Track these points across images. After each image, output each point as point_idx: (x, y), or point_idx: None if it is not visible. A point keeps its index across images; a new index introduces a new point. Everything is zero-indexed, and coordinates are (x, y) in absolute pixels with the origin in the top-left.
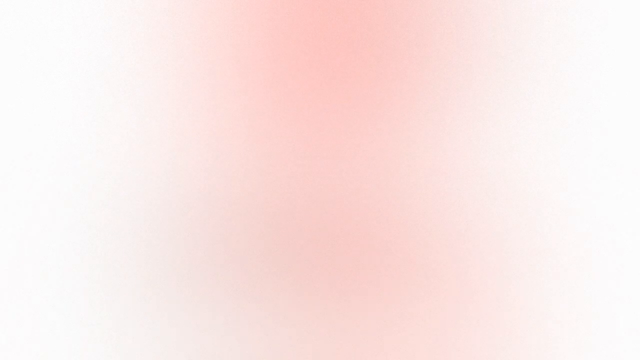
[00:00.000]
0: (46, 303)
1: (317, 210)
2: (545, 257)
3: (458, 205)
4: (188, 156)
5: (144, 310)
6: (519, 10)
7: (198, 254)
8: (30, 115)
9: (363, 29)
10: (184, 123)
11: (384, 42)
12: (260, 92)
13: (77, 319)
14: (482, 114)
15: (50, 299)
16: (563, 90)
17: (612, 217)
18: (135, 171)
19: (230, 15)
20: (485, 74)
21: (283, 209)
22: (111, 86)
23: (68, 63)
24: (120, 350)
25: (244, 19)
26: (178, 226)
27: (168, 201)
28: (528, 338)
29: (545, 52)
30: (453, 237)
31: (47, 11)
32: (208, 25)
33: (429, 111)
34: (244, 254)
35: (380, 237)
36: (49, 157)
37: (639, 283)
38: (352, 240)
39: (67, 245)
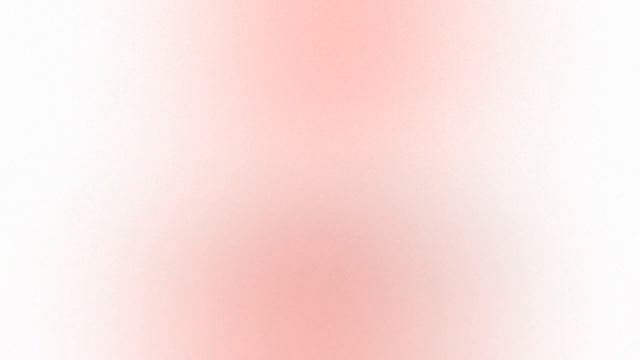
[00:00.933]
0: (46, 303)
1: (317, 210)
2: (546, 258)
3: (458, 205)
4: (188, 156)
5: (144, 310)
6: (519, 10)
7: (198, 253)
8: (30, 115)
9: (363, 29)
10: (184, 123)
11: (384, 42)
12: (260, 92)
13: (77, 319)
14: (482, 113)
15: (50, 299)
16: (563, 90)
17: (612, 217)
18: (135, 171)
19: (230, 15)
20: (485, 74)
21: (283, 209)
22: (111, 86)
23: (68, 63)
24: (120, 350)
25: (244, 19)
26: (177, 226)
27: (167, 201)
28: (528, 339)
29: (545, 52)
30: (453, 237)
31: (47, 11)
32: (208, 25)
33: (429, 111)
34: (244, 254)
35: (380, 237)
36: (49, 157)
37: (639, 283)
38: (352, 240)
39: (67, 245)
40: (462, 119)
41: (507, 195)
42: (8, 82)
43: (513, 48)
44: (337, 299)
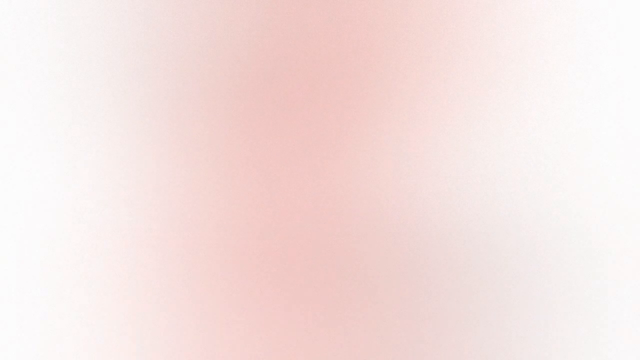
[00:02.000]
0: (46, 303)
1: (317, 210)
2: (545, 258)
3: (458, 205)
4: (188, 157)
5: (143, 310)
6: (519, 11)
7: (197, 254)
8: (31, 116)
9: (363, 29)
10: (184, 123)
11: (385, 42)
12: (260, 92)
13: (77, 319)
14: (482, 114)
15: (49, 299)
16: (563, 91)
17: (612, 217)
18: (135, 171)
19: (230, 15)
20: (485, 75)
21: (283, 209)
22: (111, 86)
23: (68, 63)
24: (119, 350)
25: (244, 19)
26: (177, 226)
27: (167, 201)
28: (528, 339)
29: (545, 52)
30: (453, 237)
31: (47, 11)
32: (208, 25)
33: (430, 112)
34: (244, 254)
35: (380, 237)
36: (49, 157)
37: (639, 283)
38: (352, 240)
39: (67, 245)
40: (463, 119)
41: (507, 195)
42: (8, 83)
43: (513, 48)
44: (336, 299)
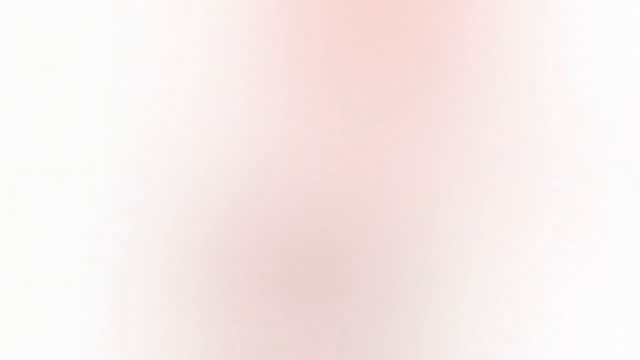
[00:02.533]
0: (47, 303)
1: (317, 211)
2: (545, 258)
3: (459, 205)
4: (187, 156)
5: (145, 311)
6: (519, 11)
7: (198, 254)
8: (33, 116)
9: (364, 28)
10: (184, 123)
11: (387, 41)
12: (260, 92)
13: (79, 319)
14: (481, 112)
15: (51, 299)
16: (563, 91)
17: (612, 216)
18: (135, 171)
19: (230, 15)
20: (485, 74)
21: (283, 210)
22: (113, 86)
23: (69, 63)
24: (120, 350)
25: (244, 19)
26: (177, 227)
27: (167, 201)
28: (527, 339)
29: (548, 56)
30: (453, 237)
31: (48, 11)
32: (208, 25)
33: (431, 112)
34: (244, 254)
35: (380, 237)
36: (50, 157)
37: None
38: (353, 241)
39: (70, 245)
40: (463, 119)
41: (506, 195)
42: (10, 83)
43: (513, 49)
44: (334, 301)
